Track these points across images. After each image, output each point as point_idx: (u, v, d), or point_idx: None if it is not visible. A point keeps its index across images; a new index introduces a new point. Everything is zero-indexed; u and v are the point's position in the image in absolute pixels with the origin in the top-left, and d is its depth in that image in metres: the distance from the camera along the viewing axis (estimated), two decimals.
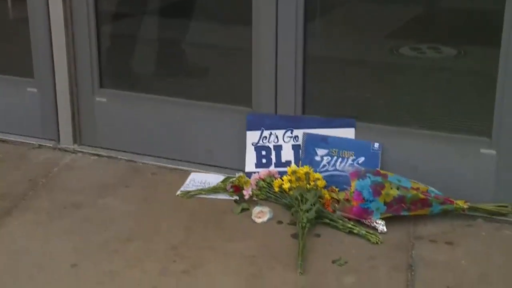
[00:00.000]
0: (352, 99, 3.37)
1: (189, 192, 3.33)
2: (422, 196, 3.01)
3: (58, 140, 3.83)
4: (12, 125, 3.93)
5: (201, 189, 3.34)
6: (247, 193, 3.24)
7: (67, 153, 3.77)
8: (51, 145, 3.82)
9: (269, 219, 3.10)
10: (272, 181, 3.27)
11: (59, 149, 3.80)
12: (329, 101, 3.41)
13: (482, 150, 3.10)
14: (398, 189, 3.00)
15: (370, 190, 2.99)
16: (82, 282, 2.69)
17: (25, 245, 2.93)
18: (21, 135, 3.90)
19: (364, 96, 3.35)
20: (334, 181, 3.25)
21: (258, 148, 3.44)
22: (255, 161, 3.43)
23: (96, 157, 3.72)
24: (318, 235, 2.98)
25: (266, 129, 3.43)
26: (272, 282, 2.67)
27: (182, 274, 2.73)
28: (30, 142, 3.86)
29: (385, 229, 2.98)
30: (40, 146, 3.83)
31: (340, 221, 3.01)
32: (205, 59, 3.70)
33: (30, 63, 3.78)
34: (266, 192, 3.25)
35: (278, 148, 3.42)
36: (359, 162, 3.26)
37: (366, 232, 2.94)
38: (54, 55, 3.69)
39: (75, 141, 3.81)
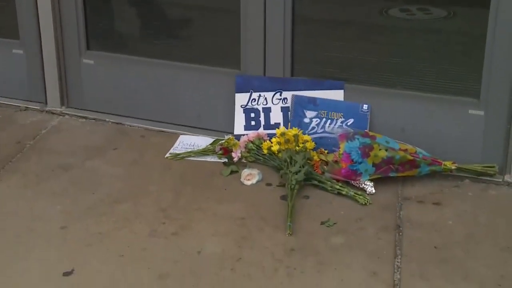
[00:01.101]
0: (341, 60, 3.36)
1: (178, 154, 3.32)
2: (410, 157, 3.02)
3: (45, 102, 3.80)
4: None
5: (190, 152, 3.34)
6: (236, 155, 3.24)
7: (55, 115, 3.74)
8: (38, 108, 3.80)
9: (258, 181, 3.11)
10: (261, 143, 3.27)
11: (46, 111, 3.77)
12: (318, 63, 3.39)
13: (471, 111, 3.10)
14: (386, 150, 3.01)
15: (359, 152, 3.00)
16: (71, 244, 2.69)
17: (13, 208, 2.93)
18: (7, 97, 3.87)
19: (353, 58, 3.33)
20: (323, 143, 3.26)
21: (247, 110, 3.42)
22: (244, 124, 3.42)
23: (83, 120, 3.70)
24: (307, 197, 2.99)
25: (255, 91, 3.41)
26: (261, 243, 2.69)
27: (171, 235, 2.73)
28: (17, 104, 3.83)
29: (374, 190, 3.00)
30: (27, 108, 3.81)
31: (329, 183, 3.02)
32: (193, 21, 3.66)
33: (15, 24, 3.73)
34: (255, 154, 3.26)
35: (267, 110, 3.41)
36: (348, 123, 3.26)
37: (355, 193, 2.95)
38: (40, 16, 3.64)
39: (62, 104, 3.79)
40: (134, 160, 3.30)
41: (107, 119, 3.68)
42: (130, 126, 3.62)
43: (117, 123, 3.65)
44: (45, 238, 2.72)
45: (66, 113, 3.75)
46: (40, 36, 3.68)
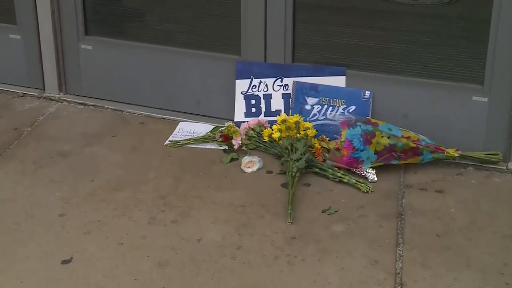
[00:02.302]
0: (343, 46, 3.35)
1: (177, 141, 3.33)
2: (412, 144, 3.03)
3: (43, 88, 3.80)
4: None
5: (190, 139, 3.34)
6: (236, 142, 3.24)
7: (53, 102, 3.75)
8: (35, 94, 3.80)
9: (258, 169, 3.11)
10: (262, 131, 3.28)
11: (44, 97, 3.77)
12: (319, 49, 3.38)
13: (474, 98, 3.11)
14: (388, 137, 3.01)
15: (361, 139, 3.00)
16: (70, 231, 2.70)
17: (11, 195, 2.94)
18: (4, 83, 3.87)
19: (355, 44, 3.33)
20: (325, 130, 3.27)
21: (247, 97, 3.43)
22: (244, 110, 3.42)
23: (82, 106, 3.70)
24: (308, 185, 3.00)
25: (256, 77, 3.41)
26: (261, 231, 2.70)
27: (171, 223, 2.75)
28: (14, 90, 3.83)
29: (376, 178, 3.00)
30: (24, 94, 3.81)
31: (330, 170, 3.02)
32: (193, 5, 3.65)
33: (12, 9, 3.73)
34: (256, 142, 3.26)
35: (268, 97, 3.41)
36: (350, 110, 3.26)
37: (356, 181, 2.96)
38: (37, 0, 3.63)
39: (60, 90, 3.79)
40: (133, 147, 3.31)
41: (106, 106, 3.68)
42: (129, 113, 3.62)
43: (116, 109, 3.65)
44: (44, 225, 2.74)
45: (64, 100, 3.75)
46: (38, 21, 3.68)
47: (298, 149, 3.05)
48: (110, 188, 2.98)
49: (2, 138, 3.38)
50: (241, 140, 3.25)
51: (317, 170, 3.05)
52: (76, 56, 3.72)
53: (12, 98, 3.79)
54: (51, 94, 3.78)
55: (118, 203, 2.87)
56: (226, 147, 3.26)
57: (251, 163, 3.12)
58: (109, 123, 3.54)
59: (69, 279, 2.45)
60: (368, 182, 2.98)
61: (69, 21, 3.67)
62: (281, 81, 3.40)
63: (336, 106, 3.29)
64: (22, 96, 3.81)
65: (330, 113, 3.29)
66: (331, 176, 3.01)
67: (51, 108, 3.70)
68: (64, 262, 2.53)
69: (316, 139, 3.19)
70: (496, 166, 3.09)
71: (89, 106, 3.70)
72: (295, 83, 3.36)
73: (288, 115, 3.28)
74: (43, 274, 2.48)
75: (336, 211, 2.82)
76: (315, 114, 3.31)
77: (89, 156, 3.24)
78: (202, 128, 3.44)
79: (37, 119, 3.58)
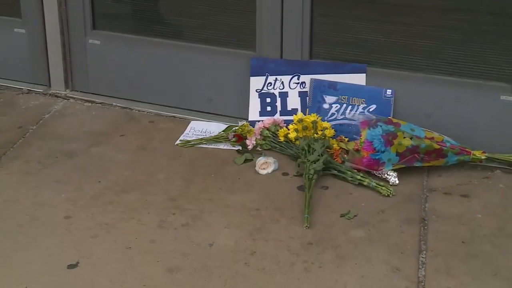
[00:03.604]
0: (363, 42, 3.34)
1: (189, 141, 3.33)
2: (436, 146, 3.01)
3: (49, 85, 3.82)
4: None
5: (202, 139, 3.34)
6: (250, 142, 3.24)
7: (59, 99, 3.76)
8: (41, 91, 3.81)
9: (273, 170, 3.11)
10: (277, 130, 3.27)
11: (50, 94, 3.79)
12: (338, 45, 3.37)
13: (502, 97, 3.09)
14: (411, 138, 3.00)
15: (382, 140, 2.99)
16: (75, 234, 2.71)
17: (15, 196, 2.95)
18: (8, 79, 3.89)
19: (376, 39, 3.31)
20: (343, 130, 3.26)
21: (262, 95, 3.42)
22: (259, 109, 3.42)
23: (89, 104, 3.71)
24: (326, 187, 2.99)
25: (271, 74, 3.41)
26: (276, 236, 2.69)
27: (181, 227, 2.75)
28: (19, 87, 3.85)
29: (397, 181, 2.99)
30: (29, 91, 3.83)
31: (349, 173, 3.01)
32: None
33: (17, 1, 3.74)
34: (271, 142, 3.26)
35: (284, 95, 3.41)
36: (370, 110, 3.25)
37: (377, 184, 2.95)
38: None
39: (67, 87, 3.80)
40: (142, 147, 3.31)
41: (114, 103, 3.69)
42: (139, 111, 3.63)
43: (124, 107, 3.66)
44: (49, 228, 2.74)
45: (71, 97, 3.77)
46: (44, 15, 3.69)
47: (315, 150, 3.04)
48: (118, 189, 2.98)
49: (6, 137, 3.39)
50: (255, 140, 3.25)
51: (335, 172, 3.04)
52: (83, 51, 3.73)
53: (16, 95, 3.81)
54: (57, 91, 3.80)
55: (126, 205, 2.87)
56: (240, 148, 3.26)
57: (266, 165, 3.11)
58: (117, 121, 3.54)
59: (75, 284, 2.46)
60: (389, 185, 2.97)
61: (76, 15, 3.68)
62: (298, 79, 3.39)
63: (356, 105, 3.28)
64: (26, 93, 3.82)
65: (349, 113, 3.28)
66: (350, 178, 3.00)
67: (57, 105, 3.71)
68: (70, 266, 2.53)
69: (334, 139, 3.18)
70: None
71: (96, 103, 3.71)
72: (312, 80, 3.35)
73: (305, 114, 3.27)
74: (48, 278, 2.48)
75: (355, 216, 2.80)
76: (333, 114, 3.30)
77: (96, 156, 3.24)
78: (215, 127, 3.44)
79: (42, 117, 3.59)
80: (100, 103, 3.71)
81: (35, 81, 3.84)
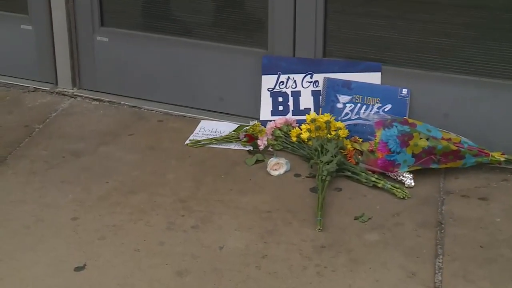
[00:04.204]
0: (378, 40, 3.33)
1: (198, 141, 3.33)
2: (454, 147, 3.00)
3: (55, 83, 3.83)
4: (4, 66, 3.92)
5: (212, 138, 3.34)
6: (262, 143, 3.24)
7: (66, 97, 3.77)
8: (48, 89, 3.82)
9: (285, 172, 3.10)
10: (290, 130, 3.27)
11: (57, 93, 3.80)
12: (352, 42, 3.37)
13: None
14: (427, 139, 2.99)
15: (397, 141, 2.98)
16: (82, 236, 2.71)
17: (20, 196, 2.96)
18: (14, 77, 3.90)
19: (391, 37, 3.31)
20: (358, 130, 3.25)
21: (274, 94, 3.42)
22: (271, 108, 3.42)
23: (97, 102, 3.72)
24: (339, 189, 2.98)
25: (283, 73, 3.40)
26: (288, 239, 2.69)
27: (191, 229, 2.74)
28: (25, 85, 3.86)
29: (413, 183, 2.98)
30: (35, 89, 3.84)
31: (363, 174, 3.01)
32: None
33: None
34: (283, 142, 3.25)
35: (296, 94, 3.40)
36: (385, 109, 3.24)
37: (392, 186, 2.94)
38: None
39: (74, 85, 3.81)
40: (151, 147, 3.31)
41: (122, 102, 3.69)
42: (147, 109, 3.63)
43: (133, 106, 3.66)
44: (55, 229, 2.75)
45: (78, 95, 3.77)
46: (51, 11, 3.70)
47: (328, 150, 3.04)
48: (125, 190, 2.98)
49: (12, 136, 3.40)
50: (267, 140, 3.24)
51: (349, 173, 3.03)
52: (91, 49, 3.74)
53: (22, 93, 3.82)
54: (64, 89, 3.80)
55: (134, 207, 2.87)
56: (251, 148, 3.25)
57: (277, 165, 3.11)
58: (125, 120, 3.55)
59: (82, 287, 2.46)
60: (404, 188, 2.96)
61: (84, 11, 3.68)
62: (311, 77, 3.38)
63: (371, 105, 3.27)
64: (33, 91, 3.84)
65: (363, 112, 3.28)
66: (364, 180, 2.99)
67: (64, 104, 3.72)
68: (77, 269, 2.53)
69: (348, 140, 3.18)
70: None
71: (104, 102, 3.72)
72: (326, 79, 3.34)
73: (318, 114, 3.27)
74: (54, 281, 2.49)
75: (369, 219, 2.80)
76: (347, 113, 3.29)
77: (104, 156, 3.25)
78: (225, 127, 3.44)
79: (49, 115, 3.60)
80: (108, 101, 3.71)
81: (41, 79, 3.85)
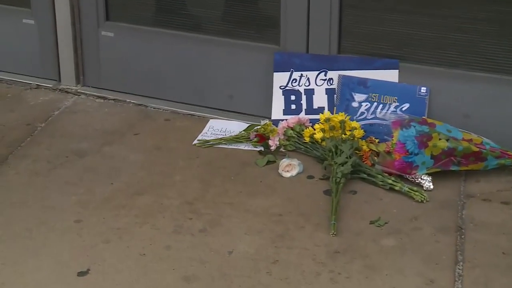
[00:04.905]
0: (396, 36, 3.33)
1: (207, 141, 3.33)
2: (475, 148, 2.99)
3: (58, 80, 3.85)
4: (5, 62, 3.94)
5: (221, 138, 3.34)
6: (273, 143, 3.23)
7: (69, 94, 3.78)
8: (51, 86, 3.84)
9: (298, 173, 3.10)
10: (302, 130, 3.26)
11: (60, 90, 3.81)
12: (369, 38, 3.37)
13: None
14: (447, 140, 2.98)
15: (415, 142, 2.97)
16: (86, 239, 2.71)
17: (22, 198, 2.96)
18: (16, 73, 3.92)
19: (410, 33, 3.30)
20: (374, 130, 3.24)
21: (286, 92, 3.42)
22: (283, 107, 3.42)
23: (101, 100, 3.73)
24: (354, 192, 2.98)
25: (296, 70, 3.40)
26: (301, 243, 2.68)
27: (199, 233, 2.74)
28: (27, 81, 3.88)
29: (432, 186, 2.97)
30: (38, 86, 3.85)
31: (380, 176, 3.00)
32: None
33: None
34: (295, 143, 3.25)
35: (310, 92, 3.40)
36: (403, 109, 3.23)
37: (410, 189, 2.93)
38: None
39: (78, 82, 3.82)
40: (157, 147, 3.32)
41: (127, 100, 3.70)
42: (154, 108, 3.64)
43: (139, 104, 3.67)
44: (58, 232, 2.75)
45: (82, 92, 3.78)
46: (54, 5, 3.72)
47: (343, 151, 3.03)
48: (131, 192, 2.99)
49: (14, 135, 3.42)
50: (279, 140, 3.24)
51: (364, 175, 3.03)
52: (96, 44, 3.75)
53: (24, 90, 3.84)
54: (68, 86, 3.82)
55: (140, 209, 2.88)
56: (262, 148, 3.25)
57: (290, 167, 3.10)
58: (131, 119, 3.55)
59: None
60: (423, 191, 2.95)
61: (89, 5, 3.70)
62: (325, 75, 3.38)
63: (387, 104, 3.27)
64: (35, 88, 3.85)
65: (380, 112, 3.27)
66: (380, 182, 2.99)
67: (67, 101, 3.73)
68: (80, 273, 2.53)
69: (364, 140, 3.17)
70: None
71: (109, 100, 3.73)
72: (340, 77, 3.33)
73: (332, 113, 3.26)
74: (57, 286, 2.49)
75: (386, 223, 2.79)
76: (363, 113, 3.29)
77: (108, 156, 3.26)
78: (235, 126, 3.44)
79: (51, 113, 3.61)
80: (113, 99, 3.72)
81: (44, 75, 3.86)
